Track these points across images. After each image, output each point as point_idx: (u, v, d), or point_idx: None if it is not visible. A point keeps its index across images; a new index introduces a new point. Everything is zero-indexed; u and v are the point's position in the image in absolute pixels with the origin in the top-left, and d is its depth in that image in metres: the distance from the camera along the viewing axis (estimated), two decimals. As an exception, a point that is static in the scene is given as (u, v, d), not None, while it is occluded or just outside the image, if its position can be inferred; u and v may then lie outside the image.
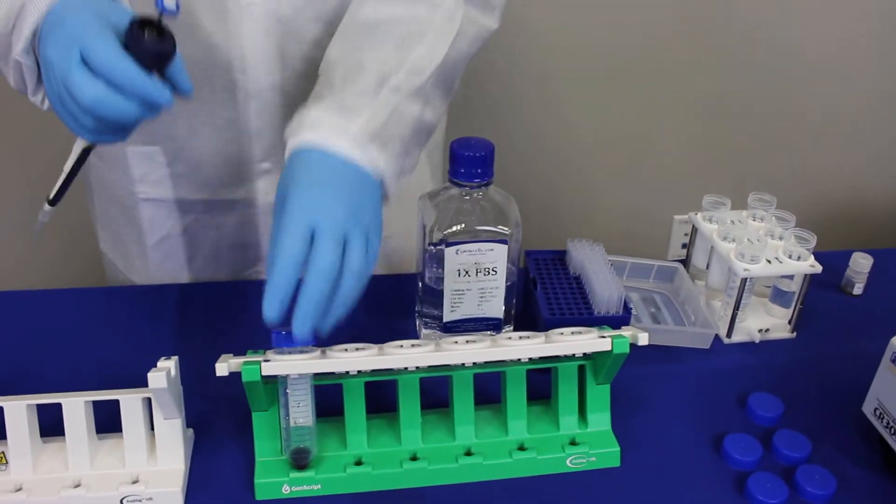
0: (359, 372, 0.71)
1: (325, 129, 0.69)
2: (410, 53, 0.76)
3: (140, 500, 0.70)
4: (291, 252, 0.62)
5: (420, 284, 0.87)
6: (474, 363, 0.71)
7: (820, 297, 1.00)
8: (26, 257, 1.71)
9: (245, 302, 0.94)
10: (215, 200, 0.98)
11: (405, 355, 0.69)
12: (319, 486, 0.71)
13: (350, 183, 0.68)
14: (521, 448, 0.74)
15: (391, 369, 0.72)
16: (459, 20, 0.79)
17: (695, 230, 1.00)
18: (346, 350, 0.70)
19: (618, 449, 0.75)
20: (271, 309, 0.62)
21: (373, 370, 0.71)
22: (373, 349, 0.70)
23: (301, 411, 0.69)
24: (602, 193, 1.81)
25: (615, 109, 1.70)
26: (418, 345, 0.70)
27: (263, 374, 0.67)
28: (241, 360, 0.68)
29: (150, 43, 0.63)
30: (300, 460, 0.71)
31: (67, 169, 0.73)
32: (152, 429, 0.72)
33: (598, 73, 1.65)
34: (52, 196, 0.75)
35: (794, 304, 0.94)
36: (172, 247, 1.02)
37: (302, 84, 0.88)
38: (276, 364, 0.67)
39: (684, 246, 1.03)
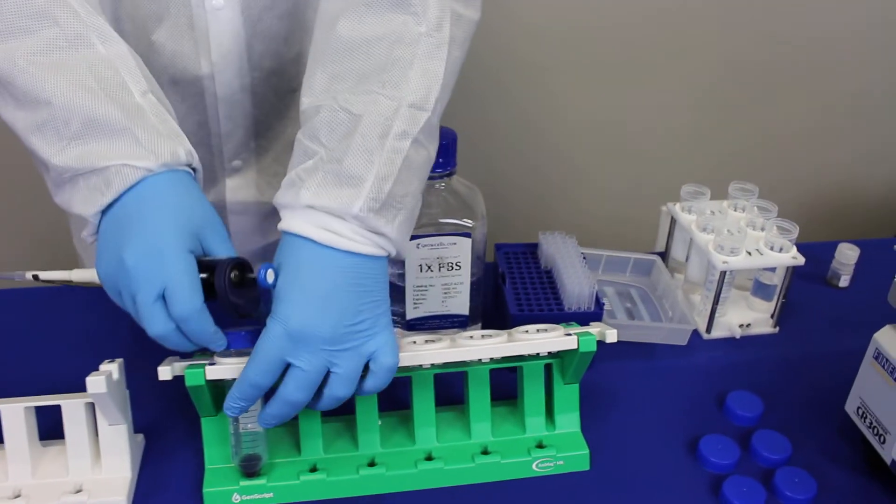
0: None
1: (321, 214, 0.61)
2: (406, 84, 0.63)
3: (83, 511, 0.67)
4: (256, 382, 0.61)
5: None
6: (432, 364, 0.68)
7: (804, 290, 0.97)
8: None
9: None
10: None
11: None
12: (272, 495, 0.68)
13: (348, 280, 0.61)
14: (485, 452, 0.71)
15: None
16: (448, 27, 0.66)
17: (674, 221, 0.96)
18: None
19: (587, 451, 0.71)
20: (230, 412, 0.63)
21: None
22: None
23: (250, 416, 0.66)
24: (585, 185, 1.77)
25: (597, 98, 1.66)
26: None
27: (208, 378, 0.63)
28: (185, 363, 0.65)
29: (240, 302, 0.60)
30: (250, 467, 0.68)
31: (74, 279, 0.69)
32: (98, 433, 0.69)
33: (580, 61, 1.61)
34: (42, 278, 0.70)
35: (776, 297, 0.90)
36: None
37: (272, 81, 0.86)
38: (222, 368, 0.63)
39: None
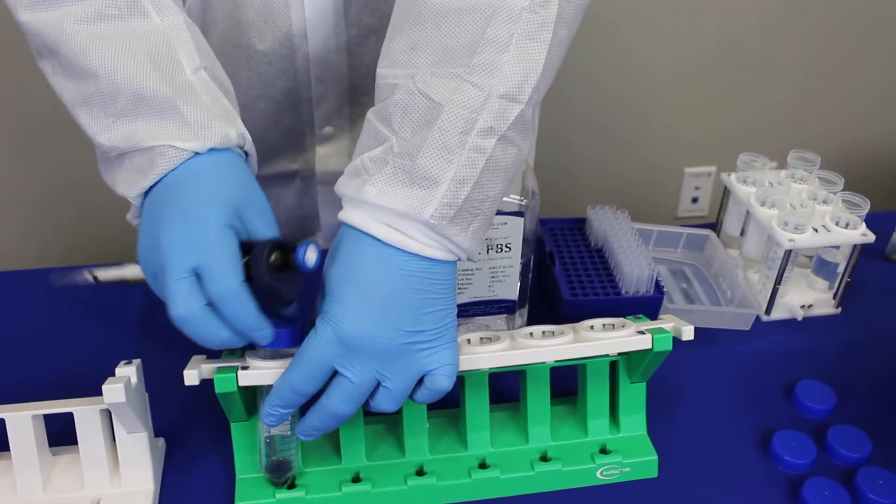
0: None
1: (389, 214, 0.53)
2: (499, 70, 0.53)
3: (102, 528, 0.60)
4: (300, 389, 0.54)
5: (421, 262, 0.75)
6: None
7: (863, 266, 0.90)
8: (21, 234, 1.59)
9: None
10: (271, 174, 0.89)
11: None
12: (311, 509, 0.61)
13: (412, 285, 0.53)
14: (544, 458, 0.64)
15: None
16: (556, 1, 0.54)
17: (727, 192, 0.89)
18: None
19: (655, 457, 0.65)
20: (268, 419, 0.57)
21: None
22: None
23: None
24: (611, 147, 1.69)
25: (634, 58, 1.57)
26: None
27: (241, 384, 0.56)
28: (214, 364, 0.57)
29: (278, 286, 0.53)
30: (279, 475, 0.61)
31: (129, 277, 0.65)
32: (115, 440, 0.62)
33: (615, 17, 1.52)
34: (101, 278, 0.66)
35: (840, 276, 0.84)
36: None
37: (370, 40, 0.79)
38: (255, 374, 0.56)
39: (694, 200, 0.92)
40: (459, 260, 0.56)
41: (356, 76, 0.81)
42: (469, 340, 0.60)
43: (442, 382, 0.55)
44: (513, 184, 0.70)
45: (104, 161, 0.60)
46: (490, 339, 0.60)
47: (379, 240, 0.53)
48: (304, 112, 0.83)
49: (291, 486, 0.62)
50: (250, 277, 0.52)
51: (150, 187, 0.55)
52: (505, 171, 0.55)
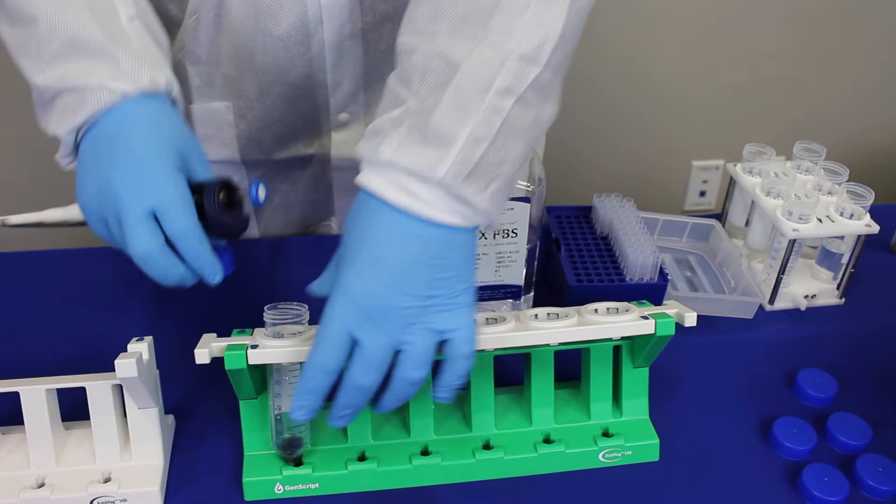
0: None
1: (402, 174, 0.52)
2: (517, 32, 0.53)
3: (113, 502, 0.61)
4: (326, 365, 0.53)
5: (428, 247, 0.76)
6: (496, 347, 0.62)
7: (867, 257, 0.91)
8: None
9: (253, 263, 0.85)
10: (287, 158, 0.90)
11: None
12: (317, 486, 0.62)
13: (426, 251, 0.53)
14: (547, 440, 0.65)
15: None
16: None
17: (733, 183, 0.89)
18: None
19: (657, 441, 0.66)
20: (299, 412, 0.55)
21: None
22: None
23: (290, 399, 0.60)
24: (620, 139, 1.69)
25: (646, 51, 1.57)
26: None
27: (250, 363, 0.57)
28: (224, 342, 0.59)
29: (230, 222, 0.59)
30: (291, 451, 0.62)
31: (47, 220, 0.65)
32: (126, 415, 0.63)
33: (626, 9, 1.52)
34: (10, 223, 0.66)
35: (844, 267, 0.84)
36: None
37: (385, 28, 0.80)
38: (265, 352, 0.57)
39: (702, 194, 0.93)
40: (479, 228, 0.55)
41: (371, 63, 0.82)
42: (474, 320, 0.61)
43: (461, 346, 0.54)
44: (524, 170, 0.71)
45: (40, 105, 0.61)
46: (496, 319, 0.61)
47: (394, 206, 0.52)
48: (320, 98, 0.84)
49: (298, 464, 0.63)
50: (202, 216, 0.57)
51: (84, 129, 0.58)
52: (523, 134, 0.54)
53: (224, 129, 0.87)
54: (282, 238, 0.93)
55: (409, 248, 0.53)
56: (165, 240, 0.56)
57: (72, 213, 0.64)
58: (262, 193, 0.61)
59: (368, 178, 0.54)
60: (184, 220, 0.55)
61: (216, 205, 0.57)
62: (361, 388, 0.53)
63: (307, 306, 0.61)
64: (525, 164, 0.69)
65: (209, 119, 0.86)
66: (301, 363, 0.59)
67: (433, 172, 0.51)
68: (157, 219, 0.55)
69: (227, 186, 0.60)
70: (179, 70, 0.82)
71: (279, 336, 0.59)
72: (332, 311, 0.53)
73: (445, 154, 0.51)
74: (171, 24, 0.79)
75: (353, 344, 0.53)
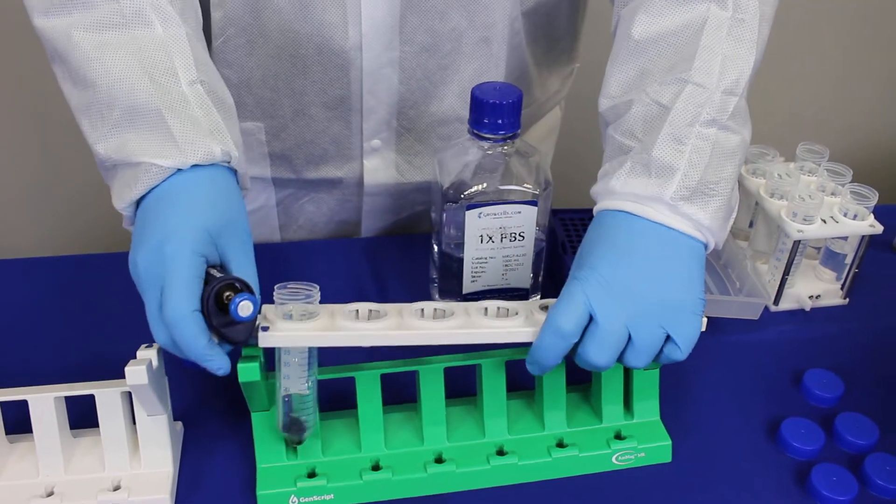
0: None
1: (631, 201, 0.61)
2: (716, 71, 0.62)
3: (123, 509, 0.61)
4: (561, 329, 0.57)
5: (435, 249, 0.76)
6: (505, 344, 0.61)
7: (869, 258, 0.91)
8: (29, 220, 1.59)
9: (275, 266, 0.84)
10: (317, 179, 0.90)
11: (429, 332, 0.59)
12: (332, 497, 0.62)
13: (659, 249, 0.60)
14: (561, 444, 0.65)
15: (408, 348, 0.62)
16: (756, 5, 0.64)
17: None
18: (357, 314, 0.60)
19: (669, 442, 0.66)
20: (532, 366, 0.60)
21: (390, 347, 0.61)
22: (389, 317, 0.60)
23: (296, 379, 0.59)
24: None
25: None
26: (443, 313, 0.61)
27: (260, 345, 0.57)
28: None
29: (221, 331, 0.55)
30: (293, 432, 0.61)
31: None
32: (135, 422, 0.62)
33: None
34: None
35: (848, 267, 0.84)
36: (263, 217, 0.95)
37: (422, 57, 0.80)
38: (279, 336, 0.57)
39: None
40: (706, 246, 0.61)
41: (406, 90, 0.82)
42: (486, 308, 0.61)
43: (674, 353, 0.59)
44: (531, 174, 0.71)
45: (102, 168, 0.62)
46: (507, 311, 0.61)
47: (630, 213, 0.60)
48: (354, 122, 0.84)
49: (311, 475, 0.62)
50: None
51: (139, 201, 0.58)
52: (731, 156, 0.62)
53: (254, 148, 0.87)
54: (301, 242, 0.93)
55: (649, 244, 0.59)
56: None
57: None
58: (244, 311, 0.54)
59: (604, 203, 0.62)
60: (172, 307, 0.53)
61: (207, 301, 0.54)
62: (594, 365, 0.58)
63: (318, 286, 0.59)
64: (532, 169, 0.70)
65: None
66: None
67: (661, 197, 0.59)
68: None
69: (234, 286, 0.55)
70: None
71: (289, 317, 0.58)
72: (577, 281, 0.58)
73: (669, 182, 0.59)
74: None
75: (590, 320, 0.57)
